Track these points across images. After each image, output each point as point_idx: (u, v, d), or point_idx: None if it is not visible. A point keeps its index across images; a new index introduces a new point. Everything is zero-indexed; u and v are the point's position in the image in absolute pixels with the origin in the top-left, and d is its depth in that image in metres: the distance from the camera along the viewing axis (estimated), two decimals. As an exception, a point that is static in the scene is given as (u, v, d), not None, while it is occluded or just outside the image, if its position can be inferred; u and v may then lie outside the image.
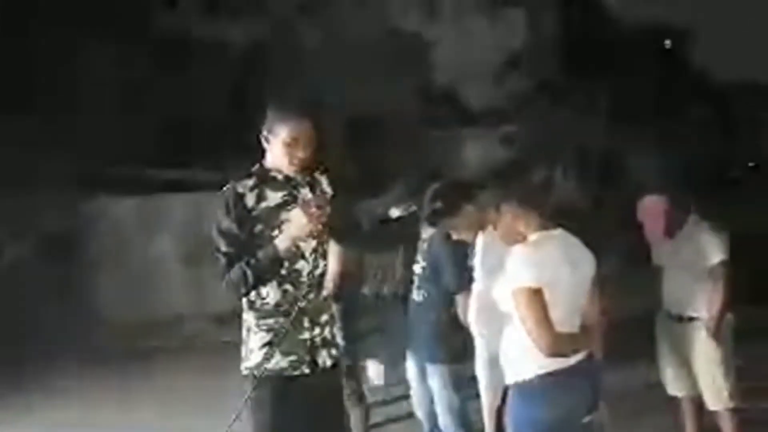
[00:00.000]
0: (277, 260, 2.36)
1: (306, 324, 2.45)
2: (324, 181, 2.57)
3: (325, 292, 2.55)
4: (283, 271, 2.40)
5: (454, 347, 3.35)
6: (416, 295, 3.50)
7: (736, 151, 13.17)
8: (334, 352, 2.53)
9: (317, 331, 2.47)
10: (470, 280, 3.24)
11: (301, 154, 2.41)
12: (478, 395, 3.29)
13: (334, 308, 2.62)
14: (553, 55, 15.37)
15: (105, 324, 7.29)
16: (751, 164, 13.29)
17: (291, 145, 2.39)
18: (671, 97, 14.41)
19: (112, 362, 6.44)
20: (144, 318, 7.49)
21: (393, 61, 11.74)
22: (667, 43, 17.98)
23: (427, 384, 3.48)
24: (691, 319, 3.75)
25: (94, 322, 7.24)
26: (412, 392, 3.66)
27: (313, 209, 2.31)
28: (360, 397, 3.92)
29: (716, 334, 3.66)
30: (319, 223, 2.32)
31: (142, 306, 7.70)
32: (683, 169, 11.33)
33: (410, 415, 3.85)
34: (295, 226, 2.34)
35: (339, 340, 2.58)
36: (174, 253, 8.27)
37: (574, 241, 2.53)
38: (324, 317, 2.51)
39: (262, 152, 2.51)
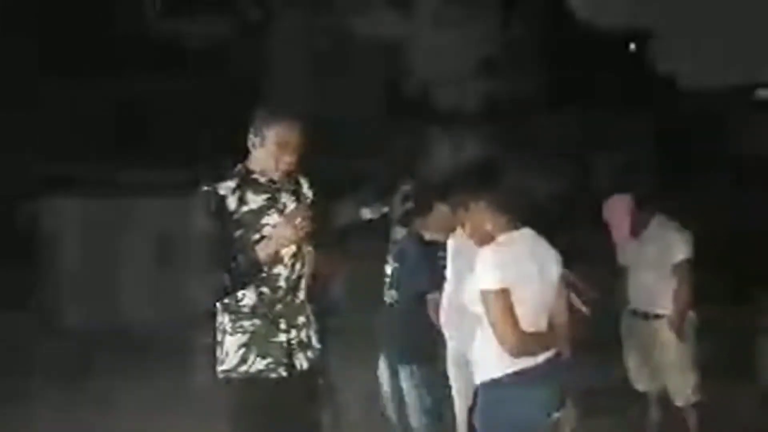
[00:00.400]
0: (258, 266, 2.34)
1: (283, 326, 2.44)
2: (305, 185, 2.58)
3: (301, 295, 2.54)
4: (262, 275, 2.39)
5: (426, 348, 3.37)
6: (387, 296, 3.52)
7: (696, 151, 13.49)
8: (310, 354, 2.52)
9: (294, 333, 2.46)
10: (442, 280, 3.27)
11: (288, 158, 2.41)
12: (450, 395, 3.32)
13: (310, 310, 2.62)
14: (524, 57, 15.53)
15: (72, 328, 7.16)
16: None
17: (281, 149, 2.39)
18: (636, 98, 14.67)
19: (81, 367, 6.33)
20: (113, 322, 7.37)
21: (363, 61, 11.76)
22: (632, 45, 18.31)
23: (398, 384, 3.49)
24: (656, 316, 3.84)
25: (59, 328, 7.11)
26: (383, 392, 3.68)
27: (298, 220, 2.33)
28: (332, 397, 3.92)
29: (680, 330, 3.76)
30: (302, 233, 2.34)
31: (110, 310, 7.58)
32: (646, 169, 11.55)
33: (381, 415, 3.86)
34: (278, 237, 2.34)
35: (315, 342, 2.57)
36: (144, 256, 8.13)
37: (541, 241, 2.58)
38: (301, 319, 2.50)
39: (245, 154, 2.48)
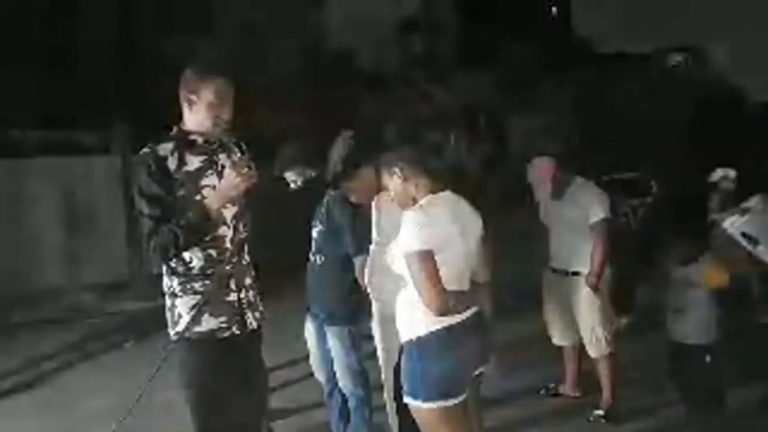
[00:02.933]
0: (208, 221, 2.34)
1: (233, 287, 2.47)
2: (235, 148, 2.56)
3: (247, 257, 2.57)
4: (206, 237, 2.39)
5: (352, 309, 3.39)
6: (314, 258, 3.50)
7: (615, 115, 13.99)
8: (257, 315, 2.57)
9: (243, 293, 2.50)
10: (367, 243, 3.27)
11: (225, 115, 2.41)
12: (376, 354, 3.36)
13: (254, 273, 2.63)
14: (447, 18, 15.54)
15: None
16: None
17: (216, 106, 2.38)
18: (556, 62, 14.99)
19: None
20: (20, 291, 7.03)
21: (286, 22, 11.47)
22: (554, 10, 18.65)
23: (325, 345, 3.50)
24: (575, 273, 3.99)
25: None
26: (310, 353, 3.68)
27: (245, 169, 2.33)
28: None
29: (596, 286, 3.92)
30: (250, 182, 2.34)
31: (17, 278, 7.22)
32: (567, 131, 11.87)
33: (310, 375, 3.87)
34: (226, 186, 2.34)
35: (260, 304, 2.60)
36: (51, 221, 7.75)
37: (463, 204, 2.62)
38: (248, 281, 2.54)
39: (179, 115, 2.46)
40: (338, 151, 3.39)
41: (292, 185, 3.86)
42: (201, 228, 2.34)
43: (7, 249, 7.35)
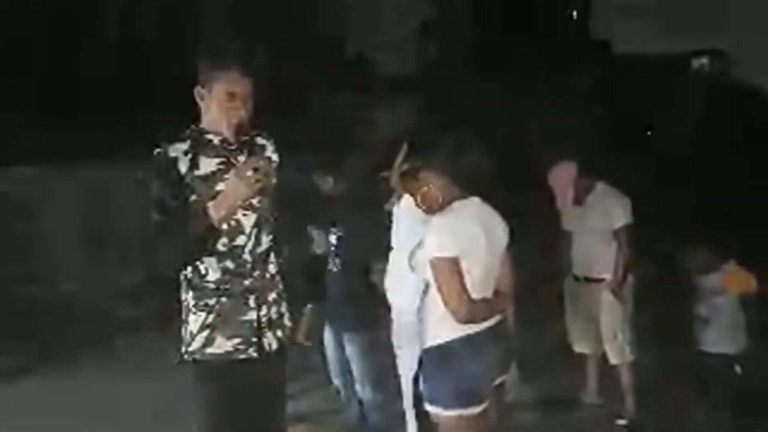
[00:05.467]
0: (212, 231, 2.08)
1: (252, 304, 2.23)
2: (269, 147, 2.35)
3: (272, 269, 2.32)
4: (222, 247, 2.18)
5: (371, 315, 3.36)
6: (332, 264, 3.48)
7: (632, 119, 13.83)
8: (280, 333, 2.32)
9: (264, 311, 2.26)
10: (386, 248, 3.25)
11: (240, 110, 2.16)
12: (395, 362, 3.33)
13: (282, 285, 2.39)
14: (464, 21, 15.49)
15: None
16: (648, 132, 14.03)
17: (229, 99, 2.14)
18: (574, 64, 14.86)
19: (9, 340, 6.10)
20: (37, 295, 7.08)
21: (300, 27, 11.48)
22: (574, 12, 18.51)
23: (343, 351, 3.48)
24: (597, 280, 3.94)
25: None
26: (328, 360, 3.66)
27: (249, 172, 2.04)
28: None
29: (619, 293, 3.86)
30: (256, 188, 2.06)
31: (35, 282, 7.27)
32: (588, 135, 11.75)
33: (328, 382, 3.85)
34: (229, 191, 2.06)
35: (287, 321, 2.39)
36: (70, 227, 7.80)
37: (489, 210, 2.57)
38: (272, 296, 2.30)
39: (197, 114, 2.24)
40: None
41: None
42: (206, 238, 2.09)
43: (28, 253, 7.43)
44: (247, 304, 2.23)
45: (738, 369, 3.19)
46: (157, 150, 2.18)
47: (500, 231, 2.56)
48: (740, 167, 6.25)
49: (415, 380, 2.67)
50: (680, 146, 10.92)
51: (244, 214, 2.21)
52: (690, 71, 16.13)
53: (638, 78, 14.37)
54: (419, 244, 2.49)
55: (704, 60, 16.52)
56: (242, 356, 2.22)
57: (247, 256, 2.22)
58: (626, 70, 15.14)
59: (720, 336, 3.24)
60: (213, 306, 2.19)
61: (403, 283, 2.99)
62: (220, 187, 2.13)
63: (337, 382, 3.68)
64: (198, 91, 2.20)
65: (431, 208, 2.51)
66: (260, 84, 2.24)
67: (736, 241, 4.05)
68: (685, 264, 3.46)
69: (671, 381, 4.26)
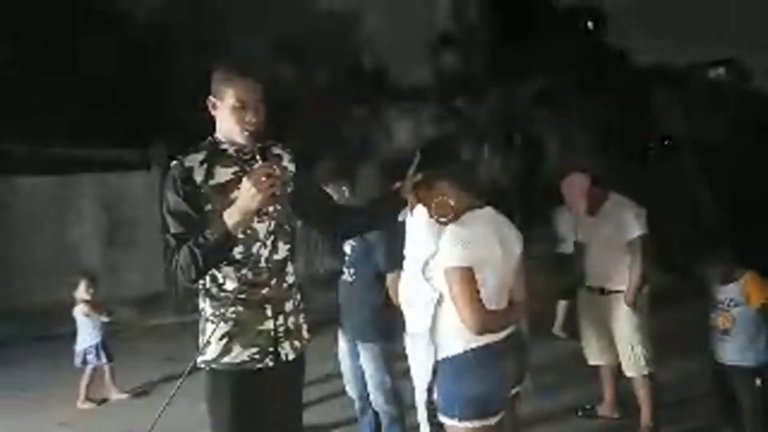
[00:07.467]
0: (228, 239, 2.07)
1: (269, 313, 2.25)
2: (286, 157, 2.35)
3: (290, 279, 2.33)
4: (238, 255, 2.18)
5: (385, 326, 3.36)
6: (347, 275, 3.49)
7: (651, 129, 13.77)
8: (297, 343, 2.32)
9: (281, 320, 2.27)
10: (400, 258, 3.25)
11: (251, 118, 2.16)
12: (409, 372, 3.32)
13: (300, 295, 2.39)
14: (482, 34, 15.51)
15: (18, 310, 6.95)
16: (666, 142, 13.94)
17: (239, 108, 2.15)
18: (592, 76, 14.82)
19: (28, 349, 6.18)
20: (57, 303, 7.16)
21: (320, 39, 11.56)
22: (590, 24, 18.47)
23: (358, 362, 3.48)
24: (612, 291, 3.91)
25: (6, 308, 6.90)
26: (343, 371, 3.66)
27: (263, 179, 2.01)
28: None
29: (634, 304, 3.83)
30: (270, 194, 2.01)
31: (55, 291, 7.36)
32: (602, 146, 11.70)
33: (343, 393, 3.85)
34: (243, 198, 2.03)
35: (304, 331, 2.37)
36: (89, 236, 7.92)
37: (503, 220, 2.57)
38: (288, 306, 2.30)
39: (213, 125, 2.26)
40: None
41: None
42: (222, 246, 2.08)
43: (48, 261, 7.54)
44: (264, 313, 2.24)
45: (758, 382, 3.14)
46: (174, 162, 2.21)
47: (514, 241, 2.55)
48: (760, 176, 6.17)
49: (429, 391, 2.68)
50: (698, 155, 10.81)
51: (259, 221, 2.20)
52: (707, 80, 16.03)
53: (655, 88, 14.31)
54: (433, 255, 2.49)
55: (720, 70, 16.43)
56: (259, 365, 2.23)
57: (263, 264, 2.23)
58: (643, 81, 15.08)
59: (739, 348, 3.20)
60: (230, 315, 2.21)
61: (417, 293, 2.99)
62: (234, 195, 2.11)
63: (351, 392, 3.68)
64: (210, 101, 2.23)
65: (445, 217, 2.51)
66: (275, 95, 2.24)
67: (755, 251, 4.01)
68: (703, 274, 3.43)
69: (690, 394, 4.20)
